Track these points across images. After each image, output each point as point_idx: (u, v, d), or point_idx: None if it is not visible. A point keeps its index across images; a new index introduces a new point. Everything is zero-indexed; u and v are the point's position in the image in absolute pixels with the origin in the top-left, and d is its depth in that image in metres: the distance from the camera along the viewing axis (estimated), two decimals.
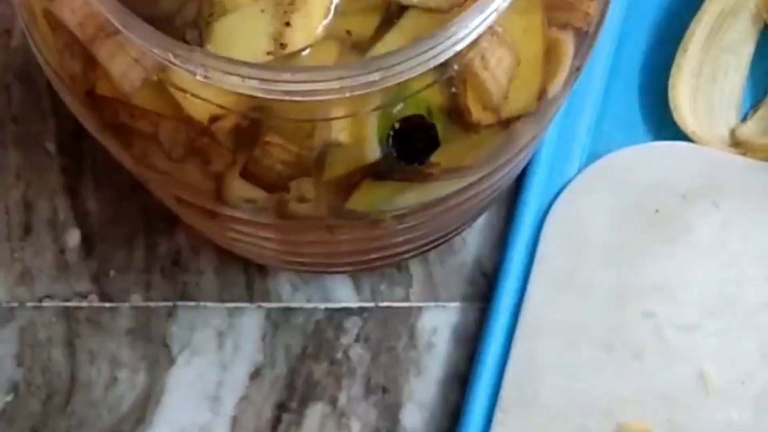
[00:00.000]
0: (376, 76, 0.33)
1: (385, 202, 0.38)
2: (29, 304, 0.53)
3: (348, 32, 0.36)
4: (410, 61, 0.33)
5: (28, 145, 0.54)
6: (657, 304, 0.50)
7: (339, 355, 0.52)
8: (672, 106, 0.52)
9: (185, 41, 0.35)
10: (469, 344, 0.52)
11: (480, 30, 0.33)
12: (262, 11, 0.35)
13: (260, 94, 0.33)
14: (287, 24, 0.35)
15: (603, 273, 0.50)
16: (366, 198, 0.37)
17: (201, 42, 0.35)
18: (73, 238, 0.54)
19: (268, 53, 0.35)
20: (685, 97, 0.52)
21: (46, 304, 0.53)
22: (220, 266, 0.53)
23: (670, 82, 0.52)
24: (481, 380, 0.50)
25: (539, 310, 0.50)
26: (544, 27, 0.37)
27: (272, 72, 0.33)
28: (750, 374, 0.49)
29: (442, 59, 0.33)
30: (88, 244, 0.53)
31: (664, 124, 0.52)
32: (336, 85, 0.32)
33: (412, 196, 0.38)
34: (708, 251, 0.50)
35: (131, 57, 0.35)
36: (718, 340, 0.49)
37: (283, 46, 0.35)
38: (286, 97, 0.33)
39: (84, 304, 0.53)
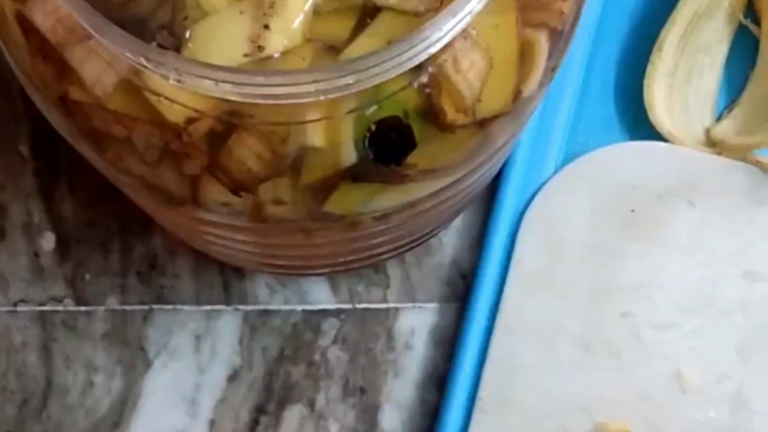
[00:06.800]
0: (350, 79, 0.32)
1: (363, 204, 0.38)
2: (4, 309, 0.52)
3: (323, 34, 0.36)
4: (385, 64, 0.32)
5: (2, 148, 0.54)
6: (634, 304, 0.50)
7: (317, 357, 0.52)
8: (647, 106, 0.52)
9: (159, 45, 0.34)
10: (447, 345, 0.52)
11: (454, 33, 0.33)
12: (241, 13, 0.35)
13: (234, 98, 0.33)
14: (266, 27, 0.35)
15: (580, 273, 0.50)
16: (343, 200, 0.37)
17: (176, 45, 0.35)
18: (48, 241, 0.53)
19: (245, 55, 0.34)
20: (660, 97, 0.52)
21: (21, 308, 0.52)
22: (197, 269, 0.53)
23: (646, 82, 0.52)
24: (459, 381, 0.50)
25: (517, 310, 0.50)
26: (518, 27, 0.37)
27: (246, 75, 0.33)
28: (726, 373, 0.49)
29: (416, 62, 0.33)
30: (63, 247, 0.53)
31: (639, 124, 0.53)
32: (311, 88, 0.32)
33: (389, 198, 0.38)
34: (684, 250, 0.50)
35: (104, 61, 0.35)
36: (695, 339, 0.49)
37: (260, 48, 0.35)
38: (261, 101, 0.33)
39: (59, 308, 0.52)
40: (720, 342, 0.49)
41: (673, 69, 0.53)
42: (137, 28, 0.34)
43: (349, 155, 0.36)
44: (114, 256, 0.53)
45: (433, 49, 0.33)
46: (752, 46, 0.54)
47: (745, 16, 0.53)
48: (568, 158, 0.52)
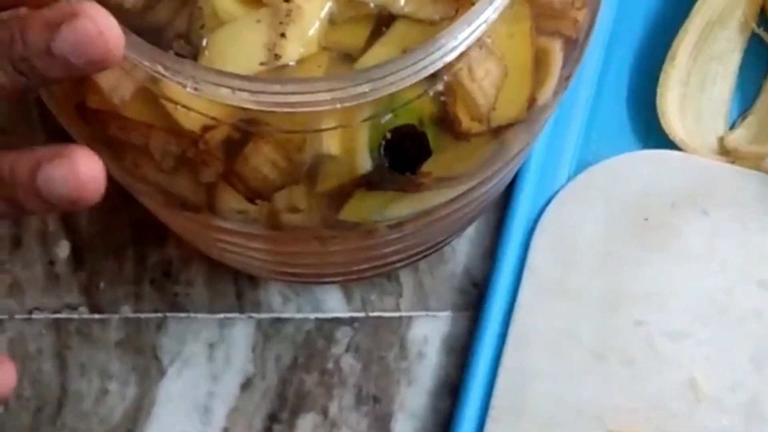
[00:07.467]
0: (366, 88, 0.33)
1: (378, 212, 0.38)
2: (19, 317, 0.53)
3: (339, 42, 0.36)
4: (400, 73, 0.33)
5: None
6: (647, 312, 0.50)
7: (330, 366, 0.52)
8: (660, 114, 0.52)
9: (176, 53, 0.35)
10: (460, 353, 0.52)
11: (469, 42, 0.33)
12: (258, 22, 0.35)
13: (250, 106, 0.33)
14: (282, 35, 0.35)
15: (593, 281, 0.50)
16: (358, 208, 0.37)
17: (194, 53, 0.35)
18: (63, 249, 0.53)
19: (262, 63, 0.35)
20: (673, 106, 0.52)
21: (35, 316, 0.53)
22: (211, 277, 0.53)
23: (659, 90, 0.52)
24: (472, 389, 0.50)
25: (530, 319, 0.50)
26: (532, 35, 0.37)
27: (262, 84, 0.33)
28: (740, 382, 0.49)
29: (431, 71, 0.33)
30: (77, 255, 0.53)
31: (652, 133, 0.53)
32: (326, 96, 0.33)
33: (404, 206, 0.38)
34: (697, 259, 0.50)
35: (121, 69, 0.35)
36: (709, 347, 0.49)
37: (277, 56, 0.35)
38: (277, 109, 0.33)
39: (74, 315, 0.53)
40: (734, 350, 0.49)
41: (686, 77, 0.53)
42: (154, 36, 0.34)
43: (364, 163, 0.36)
44: (128, 264, 0.53)
45: (449, 58, 0.33)
46: (765, 55, 0.54)
47: (758, 25, 0.53)
48: (581, 167, 0.52)
